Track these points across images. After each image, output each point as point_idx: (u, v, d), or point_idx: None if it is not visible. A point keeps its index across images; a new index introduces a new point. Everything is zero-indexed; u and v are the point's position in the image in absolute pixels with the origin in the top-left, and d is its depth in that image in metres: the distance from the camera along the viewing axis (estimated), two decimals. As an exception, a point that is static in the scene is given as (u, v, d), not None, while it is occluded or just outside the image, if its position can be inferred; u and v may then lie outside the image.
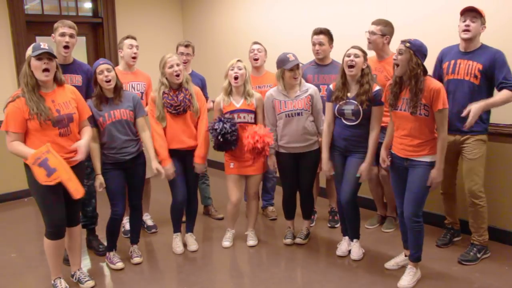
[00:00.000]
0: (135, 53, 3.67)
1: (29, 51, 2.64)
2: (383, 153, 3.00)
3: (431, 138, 2.73)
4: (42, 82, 2.64)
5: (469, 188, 3.10)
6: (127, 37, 3.75)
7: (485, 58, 2.98)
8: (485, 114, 3.08)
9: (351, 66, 2.99)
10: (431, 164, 2.73)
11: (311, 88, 3.27)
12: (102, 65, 2.99)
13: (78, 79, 3.30)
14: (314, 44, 3.67)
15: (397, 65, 2.69)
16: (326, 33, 3.65)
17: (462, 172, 3.18)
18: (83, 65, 3.39)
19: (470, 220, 3.20)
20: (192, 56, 4.01)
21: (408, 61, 2.62)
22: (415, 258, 2.90)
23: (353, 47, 3.03)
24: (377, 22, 3.44)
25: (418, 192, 2.76)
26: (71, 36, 3.19)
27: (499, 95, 2.95)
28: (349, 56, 3.00)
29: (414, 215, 2.78)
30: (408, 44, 2.62)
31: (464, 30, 2.98)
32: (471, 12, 2.96)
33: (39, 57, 2.58)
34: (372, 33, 3.42)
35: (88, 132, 2.88)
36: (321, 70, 3.67)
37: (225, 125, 3.16)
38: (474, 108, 2.82)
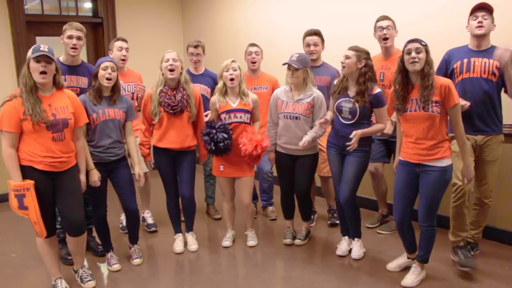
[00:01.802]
0: (124, 56, 3.67)
1: (29, 53, 2.65)
2: (396, 162, 2.94)
3: (444, 139, 2.68)
4: (40, 84, 2.64)
5: (484, 189, 3.10)
6: (118, 39, 3.76)
7: None
8: (499, 113, 3.03)
9: (343, 67, 3.04)
10: (446, 169, 2.68)
11: (315, 94, 3.24)
12: (109, 62, 3.00)
13: (84, 81, 3.32)
14: (308, 45, 3.68)
15: (414, 63, 2.62)
16: (319, 34, 3.69)
17: (476, 172, 3.07)
18: (90, 68, 3.41)
19: (472, 218, 3.20)
20: (202, 55, 4.01)
21: (426, 58, 2.63)
22: (423, 259, 2.89)
23: (349, 48, 3.04)
24: (386, 17, 3.43)
25: (433, 199, 2.73)
26: (78, 38, 3.23)
27: None
28: (343, 57, 3.05)
29: (428, 220, 2.76)
30: (424, 43, 2.64)
31: (478, 26, 2.92)
32: (482, 10, 2.90)
33: (37, 59, 2.59)
34: (388, 27, 3.40)
35: (82, 152, 2.89)
36: (313, 71, 3.65)
37: (217, 134, 3.15)
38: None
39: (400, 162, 2.86)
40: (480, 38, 2.97)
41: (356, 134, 2.96)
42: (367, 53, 3.03)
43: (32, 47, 2.67)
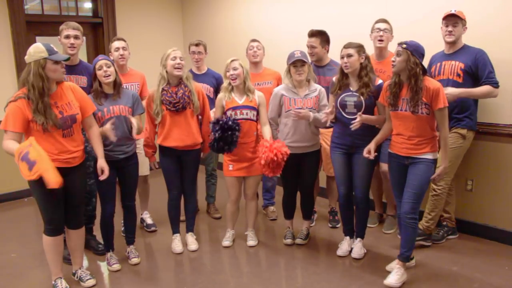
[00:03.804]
0: (121, 55, 3.66)
1: (41, 53, 2.56)
2: (372, 145, 2.95)
3: (432, 136, 2.77)
4: (53, 81, 2.64)
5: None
6: (114, 40, 3.76)
7: (466, 57, 3.14)
8: (469, 110, 3.20)
9: (346, 67, 3.04)
10: (433, 161, 2.77)
11: (319, 87, 3.30)
12: (101, 61, 3.00)
13: (83, 80, 3.33)
14: (307, 47, 3.67)
15: (392, 65, 2.74)
16: (318, 35, 3.62)
17: None
18: (89, 67, 3.40)
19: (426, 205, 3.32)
20: (204, 54, 4.03)
21: (406, 61, 2.66)
22: (404, 257, 2.90)
23: (346, 46, 3.04)
24: (384, 21, 3.49)
25: (418, 189, 2.78)
26: (75, 37, 3.24)
27: (480, 87, 3.12)
28: (342, 57, 3.04)
29: (412, 211, 2.80)
30: (404, 46, 2.68)
31: (447, 35, 3.17)
32: (452, 18, 3.12)
33: (57, 61, 2.59)
34: (385, 30, 3.45)
35: (97, 138, 2.87)
36: (317, 71, 3.66)
37: (228, 122, 3.15)
38: (451, 89, 3.06)
39: (390, 154, 2.92)
40: (451, 43, 3.21)
41: (360, 116, 2.93)
42: (363, 46, 3.07)
43: (43, 46, 2.59)
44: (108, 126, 2.93)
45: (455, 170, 3.29)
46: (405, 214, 2.81)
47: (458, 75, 3.15)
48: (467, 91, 3.11)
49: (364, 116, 2.97)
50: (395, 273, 2.89)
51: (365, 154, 2.95)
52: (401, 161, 2.85)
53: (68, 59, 2.69)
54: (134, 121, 3.04)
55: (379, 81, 3.07)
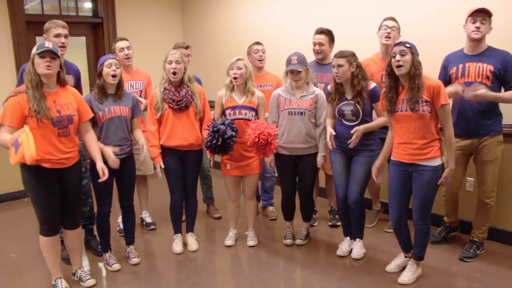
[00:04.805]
0: (127, 55, 3.69)
1: (34, 50, 2.66)
2: (378, 162, 2.96)
3: (436, 138, 2.70)
4: (45, 78, 2.65)
5: (484, 189, 3.13)
6: (117, 40, 3.77)
7: (495, 59, 2.97)
8: (497, 108, 3.08)
9: (337, 77, 3.04)
10: (438, 168, 2.71)
11: (318, 91, 3.28)
12: (113, 59, 3.03)
13: (70, 79, 3.31)
14: (314, 44, 3.68)
15: (399, 66, 2.63)
16: (327, 33, 3.65)
17: (476, 172, 3.19)
18: (73, 66, 3.41)
19: (475, 218, 3.24)
20: (190, 57, 4.02)
21: (412, 60, 2.63)
22: (418, 257, 2.92)
23: (337, 56, 3.03)
24: (393, 19, 3.44)
25: (427, 198, 2.77)
26: (65, 36, 3.21)
27: (508, 92, 2.97)
28: (333, 67, 3.03)
29: (422, 218, 2.80)
30: (408, 45, 2.64)
31: (474, 31, 2.95)
32: (481, 13, 2.93)
33: (42, 55, 2.61)
34: (393, 28, 3.40)
35: (94, 143, 2.89)
36: (320, 68, 3.68)
37: (227, 130, 3.13)
38: (483, 91, 2.86)
39: (393, 162, 2.87)
40: (475, 41, 3.00)
41: (357, 130, 2.97)
42: (354, 54, 3.05)
43: (37, 44, 2.68)
44: (110, 153, 2.94)
45: (497, 178, 3.17)
46: (416, 221, 2.83)
47: (487, 77, 2.96)
48: (497, 95, 2.94)
49: (362, 127, 3.00)
50: (408, 269, 2.92)
51: (373, 174, 2.98)
52: (404, 168, 2.78)
53: (54, 53, 2.62)
54: (144, 149, 3.10)
55: (372, 85, 3.04)
